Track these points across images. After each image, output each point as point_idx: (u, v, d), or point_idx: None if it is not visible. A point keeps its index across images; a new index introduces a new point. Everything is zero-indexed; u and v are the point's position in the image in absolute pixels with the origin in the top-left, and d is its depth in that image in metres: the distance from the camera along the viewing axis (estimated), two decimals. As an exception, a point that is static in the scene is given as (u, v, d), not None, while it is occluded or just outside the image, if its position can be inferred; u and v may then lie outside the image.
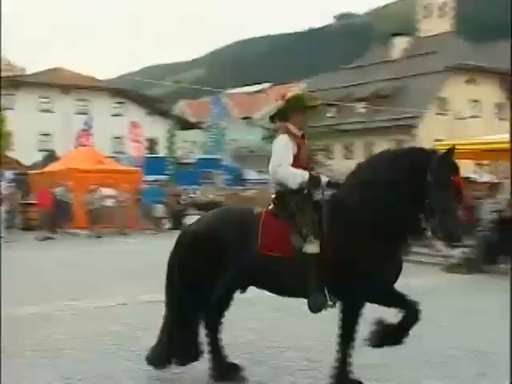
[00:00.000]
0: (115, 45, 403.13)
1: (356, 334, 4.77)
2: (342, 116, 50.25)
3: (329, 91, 49.53)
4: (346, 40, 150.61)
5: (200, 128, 50.01)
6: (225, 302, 5.17)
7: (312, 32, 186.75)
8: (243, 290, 5.08)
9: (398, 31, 57.93)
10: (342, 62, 69.19)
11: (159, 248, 16.65)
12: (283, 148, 4.82)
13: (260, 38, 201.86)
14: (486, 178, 20.23)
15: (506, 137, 12.81)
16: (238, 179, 40.72)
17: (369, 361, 5.33)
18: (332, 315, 4.85)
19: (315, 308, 4.67)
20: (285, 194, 4.82)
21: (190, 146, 49.16)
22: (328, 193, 4.84)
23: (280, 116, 5.04)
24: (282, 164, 4.78)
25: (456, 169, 4.49)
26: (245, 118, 56.96)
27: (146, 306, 8.29)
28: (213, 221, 4.98)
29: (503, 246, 12.07)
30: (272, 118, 5.12)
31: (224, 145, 47.62)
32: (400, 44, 54.59)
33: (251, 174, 44.15)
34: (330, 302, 4.65)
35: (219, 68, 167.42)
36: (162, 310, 7.86)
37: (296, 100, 4.96)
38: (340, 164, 41.41)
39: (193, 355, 5.11)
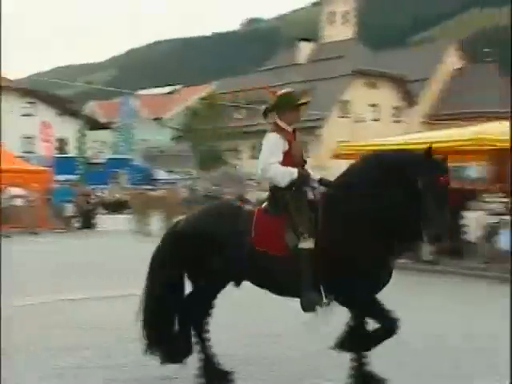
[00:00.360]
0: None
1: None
2: (249, 117, 51.25)
3: (238, 93, 50.42)
4: (255, 43, 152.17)
5: (110, 128, 49.68)
6: (212, 301, 5.00)
7: (223, 35, 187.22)
8: (237, 284, 4.92)
9: (304, 36, 59.41)
10: (252, 64, 70.36)
11: (69, 247, 17.14)
12: (272, 146, 4.80)
13: (173, 39, 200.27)
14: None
15: (403, 139, 13.91)
16: (148, 179, 40.84)
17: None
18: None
19: (308, 306, 4.52)
20: (278, 191, 4.77)
21: (100, 146, 48.71)
22: (319, 190, 4.81)
23: (270, 113, 5.01)
24: (271, 163, 4.74)
25: (445, 170, 4.49)
26: (156, 119, 56.93)
27: (59, 304, 8.42)
28: (198, 219, 4.91)
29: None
30: (265, 115, 5.03)
31: (133, 145, 47.56)
32: (305, 49, 56.30)
33: (161, 174, 44.40)
34: (325, 300, 4.53)
35: (133, 69, 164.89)
36: (75, 308, 8.24)
37: (288, 97, 4.95)
38: (247, 164, 42.36)
39: (175, 355, 4.96)
